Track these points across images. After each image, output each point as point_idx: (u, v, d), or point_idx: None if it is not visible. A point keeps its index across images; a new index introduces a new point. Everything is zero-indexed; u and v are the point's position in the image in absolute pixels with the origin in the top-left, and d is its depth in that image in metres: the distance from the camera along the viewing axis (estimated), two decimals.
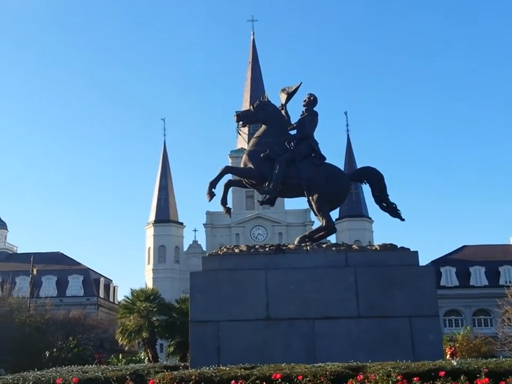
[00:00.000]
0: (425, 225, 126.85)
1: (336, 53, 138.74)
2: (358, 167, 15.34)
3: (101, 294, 72.94)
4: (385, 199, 14.20)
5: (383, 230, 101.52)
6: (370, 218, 76.70)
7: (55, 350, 43.89)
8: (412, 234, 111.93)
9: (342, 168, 16.31)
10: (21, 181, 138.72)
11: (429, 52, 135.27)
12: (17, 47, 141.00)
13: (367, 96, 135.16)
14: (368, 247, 14.19)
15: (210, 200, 13.70)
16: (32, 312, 45.65)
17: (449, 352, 25.73)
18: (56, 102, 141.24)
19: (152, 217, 77.63)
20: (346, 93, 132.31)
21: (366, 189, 14.78)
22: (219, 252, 13.17)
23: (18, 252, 79.83)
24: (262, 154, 13.73)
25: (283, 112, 14.58)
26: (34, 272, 53.71)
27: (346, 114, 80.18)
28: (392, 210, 14.21)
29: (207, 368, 9.84)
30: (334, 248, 13.20)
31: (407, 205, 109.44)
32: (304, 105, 14.45)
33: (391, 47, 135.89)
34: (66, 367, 11.79)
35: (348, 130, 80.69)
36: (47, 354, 42.71)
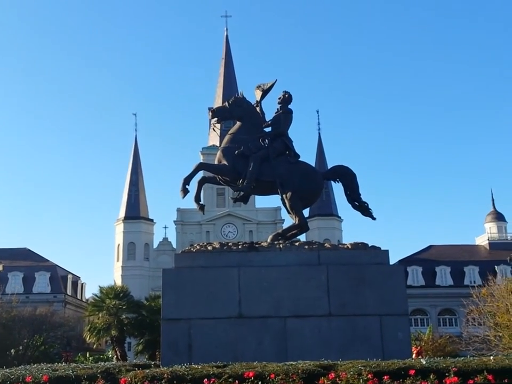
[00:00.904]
0: (393, 225, 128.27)
1: (310, 50, 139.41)
2: (331, 166, 15.40)
3: (69, 291, 71.99)
4: (357, 198, 14.29)
5: (351, 229, 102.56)
6: (339, 217, 77.31)
7: (21, 347, 43.25)
8: (380, 234, 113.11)
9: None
10: None
11: (401, 48, 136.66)
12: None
13: (339, 94, 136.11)
14: (340, 245, 14.28)
15: (184, 196, 13.62)
16: None
17: (415, 351, 26.09)
18: (25, 94, 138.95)
19: (122, 213, 76.94)
20: (319, 91, 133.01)
21: (336, 187, 14.87)
22: (192, 249, 13.10)
23: None
24: (237, 151, 13.69)
25: (258, 109, 14.57)
26: (0, 268, 52.81)
27: (318, 113, 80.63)
28: (364, 210, 14.31)
29: (179, 366, 9.79)
30: (306, 247, 13.23)
31: (376, 204, 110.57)
32: (279, 103, 14.45)
33: (364, 44, 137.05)
34: (36, 365, 11.61)
35: (319, 129, 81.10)
36: (13, 352, 42.06)
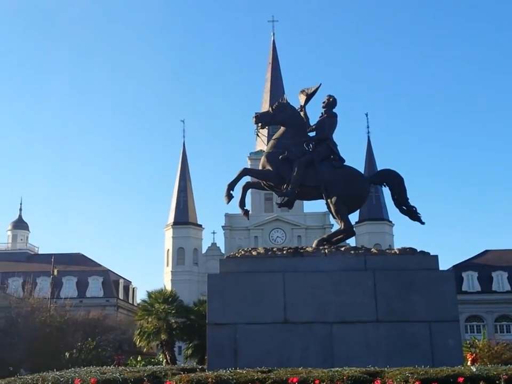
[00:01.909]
0: (447, 230, 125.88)
1: (358, 54, 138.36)
2: (378, 170, 15.21)
3: (120, 295, 73.31)
4: (404, 202, 14.05)
5: (404, 234, 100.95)
6: (390, 221, 76.12)
7: (74, 350, 44.19)
8: (434, 239, 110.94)
9: (362, 171, 16.19)
10: (43, 182, 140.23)
11: (455, 55, 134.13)
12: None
13: (389, 98, 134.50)
14: (387, 250, 14.08)
15: (228, 202, 13.67)
16: (53, 313, 46.04)
17: (470, 359, 25.37)
18: (74, 104, 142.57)
19: (171, 219, 77.87)
20: (368, 95, 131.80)
21: (387, 191, 14.65)
22: (237, 254, 13.13)
23: (39, 252, 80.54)
24: (281, 156, 13.66)
25: (302, 113, 14.50)
26: (55, 273, 54.21)
27: (367, 116, 79.82)
28: (412, 214, 14.06)
29: (224, 371, 9.82)
30: (352, 252, 13.08)
31: (429, 209, 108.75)
32: (323, 107, 14.36)
33: (416, 49, 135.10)
34: (85, 368, 11.87)
35: (368, 132, 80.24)
36: (67, 355, 43.02)
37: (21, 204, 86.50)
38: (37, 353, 39.70)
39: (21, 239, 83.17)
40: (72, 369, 11.85)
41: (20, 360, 41.04)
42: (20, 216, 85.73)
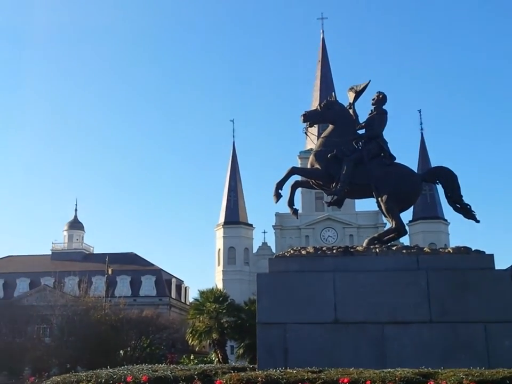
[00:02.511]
0: (506, 229, 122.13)
1: (408, 50, 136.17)
2: (430, 167, 14.90)
3: (173, 294, 74.32)
4: (458, 199, 13.72)
5: (461, 233, 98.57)
6: (446, 220, 74.39)
7: (129, 349, 45.03)
8: (492, 238, 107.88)
9: (415, 169, 15.90)
10: (97, 184, 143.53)
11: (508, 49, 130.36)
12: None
13: (443, 93, 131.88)
14: (440, 249, 13.77)
15: (277, 201, 13.63)
16: (107, 311, 47.08)
17: None
18: (127, 107, 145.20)
19: (221, 219, 78.38)
20: (420, 91, 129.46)
21: (442, 190, 14.33)
22: (286, 254, 13.08)
23: (94, 252, 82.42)
24: (329, 155, 13.53)
25: (351, 111, 14.34)
26: (110, 272, 55.41)
27: (420, 112, 78.39)
28: (466, 212, 13.72)
29: (274, 370, 9.79)
30: (404, 251, 12.84)
31: (487, 207, 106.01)
32: (372, 104, 14.16)
33: (467, 45, 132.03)
34: (138, 366, 12.04)
35: (421, 129, 78.78)
36: (122, 353, 43.89)
37: (76, 204, 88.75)
38: (93, 351, 40.65)
39: (77, 239, 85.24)
40: (125, 366, 12.05)
41: (77, 357, 42.15)
42: (76, 216, 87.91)
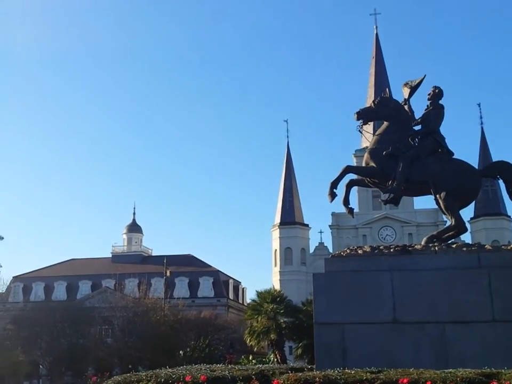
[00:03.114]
0: None
1: (464, 43, 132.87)
2: (490, 162, 14.47)
3: (231, 295, 74.79)
4: None
5: None
6: (509, 216, 72.14)
7: (188, 349, 45.59)
8: None
9: (476, 164, 15.46)
10: (154, 187, 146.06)
11: None
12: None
13: (502, 86, 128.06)
14: (503, 246, 13.35)
15: (331, 201, 13.50)
16: (167, 312, 47.82)
17: None
18: (182, 111, 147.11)
19: (277, 219, 78.35)
20: (479, 84, 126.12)
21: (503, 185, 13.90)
22: (342, 253, 12.94)
23: (153, 254, 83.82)
24: (385, 152, 13.30)
25: (406, 107, 14.06)
26: (168, 274, 56.27)
27: (479, 106, 76.32)
28: None
29: (332, 370, 9.69)
30: (464, 249, 12.50)
31: None
32: (428, 99, 13.83)
33: None
34: (196, 366, 12.15)
35: (481, 123, 76.66)
36: (181, 353, 44.47)
37: (134, 208, 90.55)
38: (153, 351, 41.37)
39: (135, 242, 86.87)
40: (184, 366, 12.18)
41: (138, 357, 43.00)
42: (134, 220, 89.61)
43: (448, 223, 13.71)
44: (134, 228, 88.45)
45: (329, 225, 77.53)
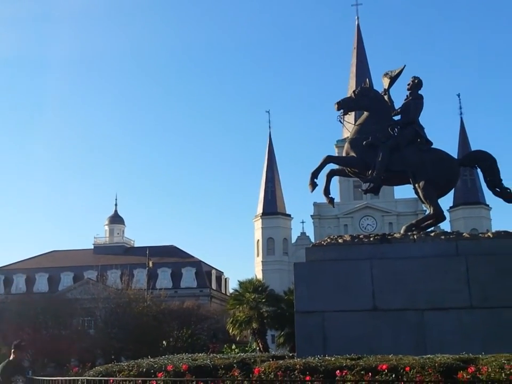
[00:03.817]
0: None
1: (444, 33, 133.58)
2: (468, 152, 14.67)
3: (213, 285, 74.92)
4: (498, 183, 13.48)
5: (503, 218, 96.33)
6: (487, 205, 73.02)
7: (171, 339, 45.66)
8: None
9: (456, 154, 15.64)
10: (135, 179, 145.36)
11: None
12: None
13: (481, 77, 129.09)
14: (480, 235, 13.56)
15: (312, 190, 13.59)
16: (149, 303, 47.75)
17: None
18: (161, 102, 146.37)
19: (260, 209, 78.55)
20: (458, 75, 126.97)
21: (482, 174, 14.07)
22: (322, 243, 13.06)
23: (135, 245, 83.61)
24: (365, 142, 13.42)
25: (386, 97, 14.18)
26: (150, 265, 56.21)
27: (459, 97, 77.01)
28: (507, 195, 13.48)
29: (312, 358, 9.80)
30: (443, 237, 12.69)
31: None
32: (408, 89, 13.96)
33: (506, 24, 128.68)
34: (178, 355, 12.20)
35: (461, 114, 77.35)
36: (165, 344, 44.52)
37: (116, 199, 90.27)
38: (136, 342, 41.34)
39: (118, 233, 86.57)
40: (166, 356, 12.22)
41: (121, 348, 42.96)
42: (116, 211, 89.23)
43: (427, 212, 13.89)
44: (116, 219, 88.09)
45: (311, 215, 77.89)
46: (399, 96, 14.28)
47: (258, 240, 78.16)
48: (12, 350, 10.24)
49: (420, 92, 13.97)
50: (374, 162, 13.28)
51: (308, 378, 8.69)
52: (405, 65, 14.21)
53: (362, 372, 8.64)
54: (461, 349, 10.05)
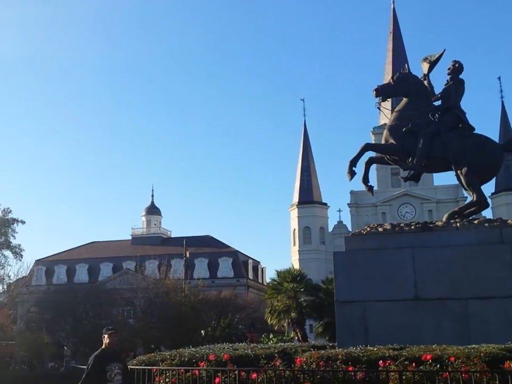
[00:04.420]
0: None
1: (483, 17, 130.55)
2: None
3: (250, 275, 75.12)
4: None
5: None
6: None
7: (209, 329, 46.01)
8: None
9: (497, 139, 15.26)
10: (171, 170, 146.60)
11: None
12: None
13: None
14: None
15: (351, 179, 13.42)
16: (187, 293, 48.18)
17: None
18: (196, 93, 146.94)
19: (295, 198, 78.26)
20: (498, 58, 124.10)
21: None
22: (362, 231, 12.91)
23: (172, 236, 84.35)
24: (404, 129, 13.18)
25: (426, 82, 13.89)
26: (187, 255, 56.60)
27: (500, 80, 75.21)
28: None
29: (354, 348, 9.72)
30: (486, 224, 12.41)
31: None
32: (448, 74, 13.64)
33: None
34: (219, 345, 12.25)
35: (502, 97, 75.63)
36: (203, 333, 44.89)
37: (152, 190, 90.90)
38: (175, 331, 41.79)
39: (154, 224, 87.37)
40: (207, 345, 12.29)
41: (160, 337, 43.48)
42: (152, 202, 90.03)
43: (469, 199, 13.59)
44: (152, 210, 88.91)
45: (348, 204, 77.25)
46: (439, 81, 13.99)
47: (294, 229, 77.94)
48: (105, 336, 9.33)
49: (460, 77, 13.65)
50: (414, 149, 13.03)
51: (350, 368, 8.61)
52: (444, 50, 13.89)
53: (406, 362, 8.53)
54: (506, 338, 9.83)
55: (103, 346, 9.35)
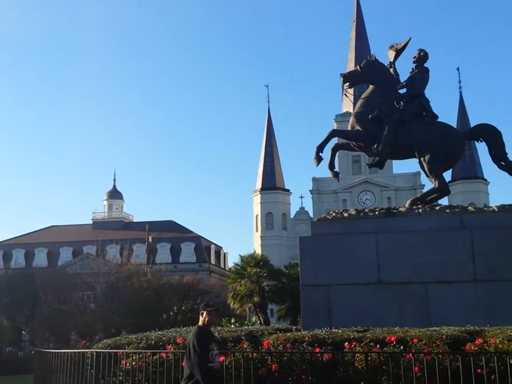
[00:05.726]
0: None
1: (445, 7, 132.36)
2: (474, 125, 14.62)
3: (212, 260, 75.17)
4: (503, 157, 13.47)
5: (500, 193, 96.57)
6: (485, 180, 73.22)
7: (171, 313, 45.95)
8: None
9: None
10: (134, 155, 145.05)
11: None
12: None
13: (481, 51, 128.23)
14: (485, 208, 13.60)
15: (317, 164, 13.57)
16: (149, 277, 47.97)
17: None
18: (161, 77, 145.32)
19: (258, 184, 78.50)
20: (458, 48, 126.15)
21: (481, 149, 14.06)
22: (328, 217, 13.09)
23: (134, 220, 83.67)
24: (370, 116, 13.36)
25: (391, 70, 14.09)
26: (150, 239, 56.28)
27: (458, 71, 76.80)
28: (511, 169, 13.47)
29: (320, 330, 9.89)
30: (448, 210, 12.74)
31: None
32: (414, 62, 13.87)
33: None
34: (185, 328, 12.28)
35: (460, 87, 76.96)
36: (165, 317, 44.83)
37: (114, 174, 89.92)
38: (137, 316, 41.60)
39: (116, 208, 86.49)
40: (173, 329, 12.30)
41: (121, 322, 43.24)
42: (114, 186, 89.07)
43: (429, 186, 13.88)
44: (114, 194, 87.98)
45: (310, 190, 77.88)
46: (404, 69, 14.20)
47: (257, 215, 78.26)
48: (203, 312, 7.93)
49: (425, 65, 13.88)
50: (379, 136, 13.24)
51: (317, 350, 8.77)
52: (410, 38, 14.11)
53: (370, 344, 8.72)
54: (465, 321, 10.15)
55: (200, 323, 7.99)
